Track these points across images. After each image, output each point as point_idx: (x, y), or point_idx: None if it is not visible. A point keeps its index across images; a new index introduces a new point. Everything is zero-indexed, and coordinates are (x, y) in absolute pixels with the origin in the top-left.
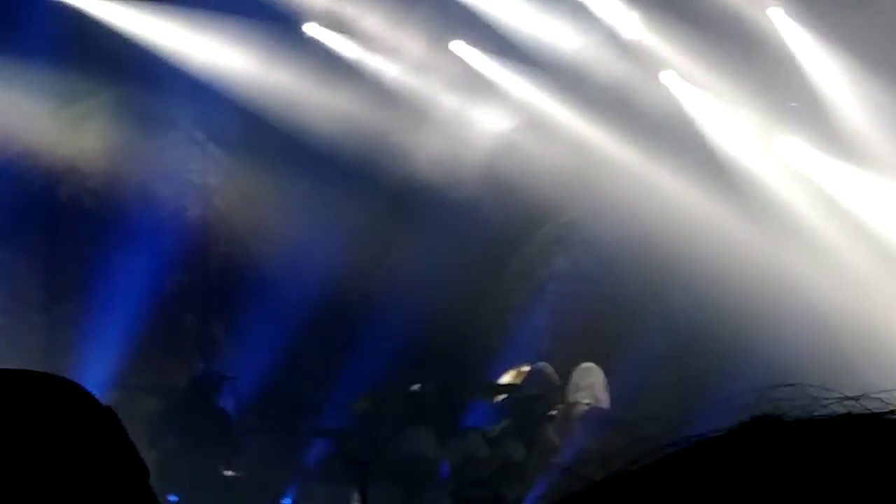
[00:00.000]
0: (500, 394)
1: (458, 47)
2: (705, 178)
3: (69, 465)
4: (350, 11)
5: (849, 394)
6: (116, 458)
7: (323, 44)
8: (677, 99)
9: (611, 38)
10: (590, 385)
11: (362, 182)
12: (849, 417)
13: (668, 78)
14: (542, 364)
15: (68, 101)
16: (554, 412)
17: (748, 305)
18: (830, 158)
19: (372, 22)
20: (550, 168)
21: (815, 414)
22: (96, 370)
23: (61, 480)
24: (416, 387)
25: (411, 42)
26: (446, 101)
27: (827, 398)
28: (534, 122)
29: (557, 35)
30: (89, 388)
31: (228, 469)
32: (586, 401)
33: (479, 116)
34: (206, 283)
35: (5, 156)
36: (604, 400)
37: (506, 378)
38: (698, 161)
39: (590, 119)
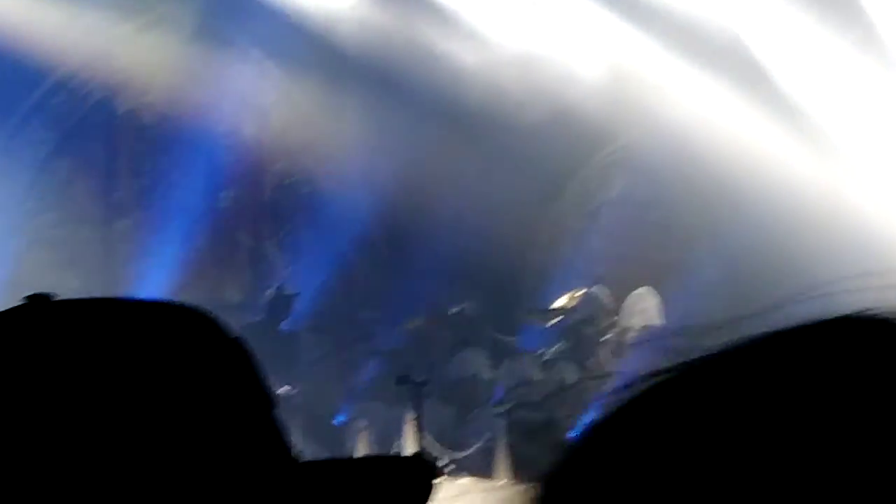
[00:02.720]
0: (555, 317)
1: None
2: (761, 104)
3: (191, 400)
4: None
5: None
6: (241, 390)
7: None
8: (736, 25)
9: None
10: (644, 310)
11: (420, 104)
12: None
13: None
14: (596, 288)
15: (125, 14)
16: (607, 336)
17: (802, 231)
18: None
19: None
20: (607, 93)
21: None
22: (151, 285)
23: (184, 415)
24: (470, 307)
25: None
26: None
27: None
28: (590, 49)
29: None
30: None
31: (284, 386)
32: (640, 325)
33: (535, 42)
34: (261, 201)
35: (63, 70)
36: (658, 325)
37: (560, 302)
38: (754, 88)
39: (645, 43)
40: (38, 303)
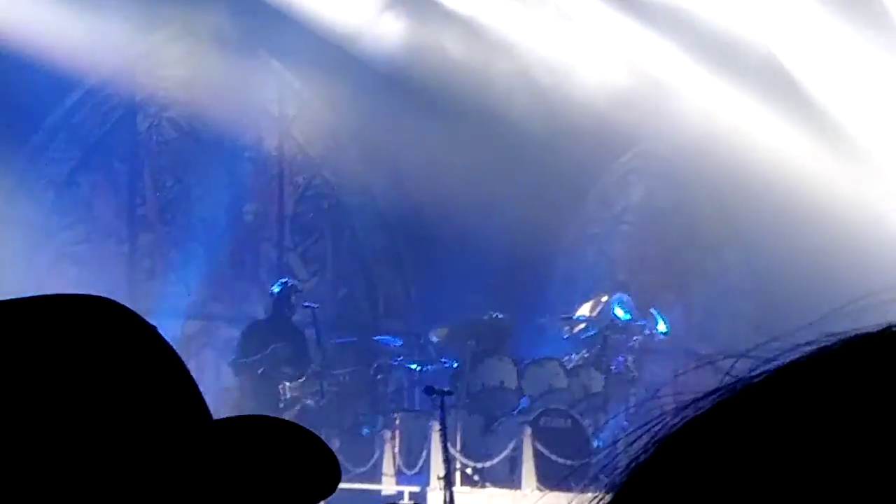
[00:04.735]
0: (579, 324)
1: None
2: (785, 109)
3: (119, 385)
4: None
5: None
6: (166, 373)
7: None
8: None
9: None
10: (668, 316)
11: (443, 112)
12: None
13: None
14: (620, 295)
15: (147, 29)
16: (632, 343)
17: (829, 234)
18: None
19: None
20: (627, 98)
21: None
22: (176, 300)
23: (110, 402)
24: (495, 316)
25: None
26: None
27: None
28: (614, 54)
29: None
30: (170, 317)
31: (309, 398)
32: (664, 331)
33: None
34: (283, 213)
35: (86, 85)
36: (682, 331)
37: (584, 309)
38: (779, 93)
39: (667, 48)
40: None
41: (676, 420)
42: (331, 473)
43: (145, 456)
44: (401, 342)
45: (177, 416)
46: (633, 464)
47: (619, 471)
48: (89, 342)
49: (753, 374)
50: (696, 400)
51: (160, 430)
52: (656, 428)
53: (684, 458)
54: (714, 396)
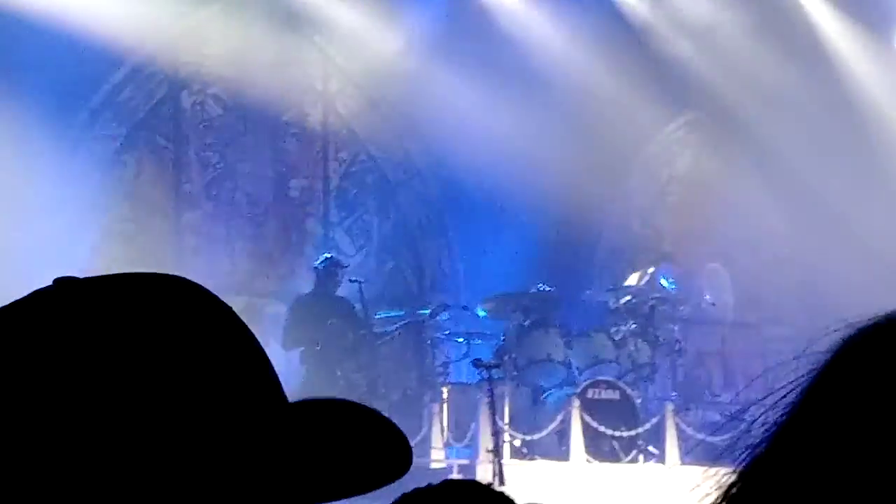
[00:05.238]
0: (625, 295)
1: None
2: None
3: (196, 367)
4: None
5: None
6: (241, 354)
7: None
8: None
9: None
10: (715, 286)
11: (485, 81)
12: None
13: None
14: (666, 265)
15: (191, 5)
16: (679, 313)
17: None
18: None
19: None
20: (672, 67)
21: None
22: (222, 276)
23: (189, 384)
24: (541, 288)
25: None
26: None
27: None
28: (661, 23)
29: None
30: (216, 293)
31: (357, 371)
32: (711, 302)
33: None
34: (328, 189)
35: (130, 63)
36: (729, 301)
37: (631, 280)
38: (819, 67)
39: (716, 19)
40: (65, 285)
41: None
42: (403, 456)
43: (226, 436)
44: (447, 315)
45: (254, 396)
46: (753, 455)
47: (758, 437)
48: (173, 322)
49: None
50: (812, 371)
51: (239, 410)
52: (788, 395)
53: (832, 410)
54: (831, 357)
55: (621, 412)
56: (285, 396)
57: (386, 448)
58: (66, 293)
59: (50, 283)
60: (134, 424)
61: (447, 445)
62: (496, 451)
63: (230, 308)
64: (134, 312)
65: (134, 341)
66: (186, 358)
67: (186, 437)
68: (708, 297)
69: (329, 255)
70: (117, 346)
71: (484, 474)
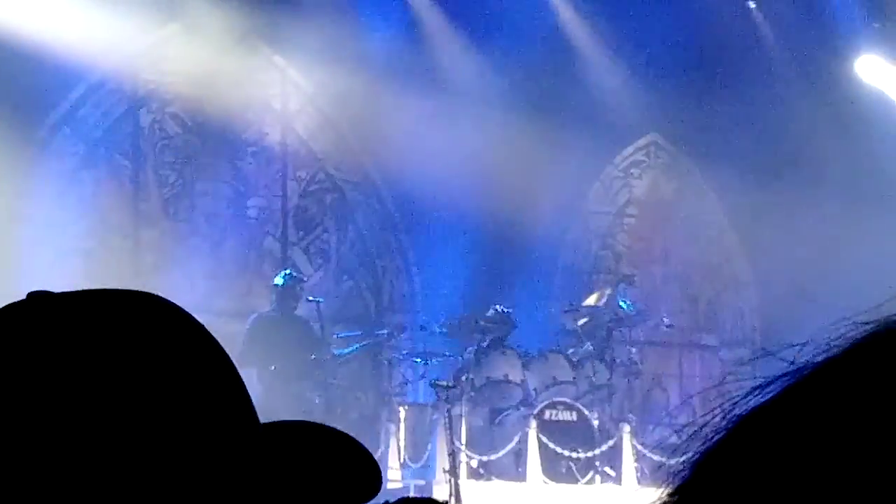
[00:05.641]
0: (584, 317)
1: None
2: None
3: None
4: None
5: None
6: (216, 372)
7: None
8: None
9: None
10: (672, 308)
11: (445, 103)
12: None
13: None
14: (623, 287)
15: (150, 24)
16: (636, 335)
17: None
18: None
19: None
20: (628, 92)
21: None
22: (180, 295)
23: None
24: (499, 309)
25: None
26: None
27: None
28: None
29: None
30: None
31: (314, 391)
32: (669, 324)
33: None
34: (286, 208)
35: (90, 80)
36: (686, 322)
37: (589, 301)
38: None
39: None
40: (38, 299)
41: (745, 406)
42: (373, 479)
43: (200, 455)
44: (406, 335)
45: (227, 414)
46: (707, 447)
47: (691, 455)
48: (147, 337)
49: (818, 358)
50: (759, 387)
51: (210, 429)
52: (725, 413)
53: (764, 439)
54: (780, 381)
55: (578, 433)
56: (256, 415)
57: (356, 471)
58: (39, 307)
59: (16, 298)
60: (109, 437)
61: (404, 466)
62: (453, 472)
63: (203, 326)
64: (109, 327)
65: (109, 356)
66: (162, 374)
67: (161, 455)
68: (665, 319)
69: (289, 271)
70: (93, 361)
71: (441, 495)
